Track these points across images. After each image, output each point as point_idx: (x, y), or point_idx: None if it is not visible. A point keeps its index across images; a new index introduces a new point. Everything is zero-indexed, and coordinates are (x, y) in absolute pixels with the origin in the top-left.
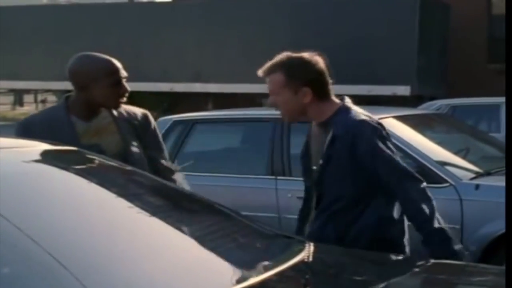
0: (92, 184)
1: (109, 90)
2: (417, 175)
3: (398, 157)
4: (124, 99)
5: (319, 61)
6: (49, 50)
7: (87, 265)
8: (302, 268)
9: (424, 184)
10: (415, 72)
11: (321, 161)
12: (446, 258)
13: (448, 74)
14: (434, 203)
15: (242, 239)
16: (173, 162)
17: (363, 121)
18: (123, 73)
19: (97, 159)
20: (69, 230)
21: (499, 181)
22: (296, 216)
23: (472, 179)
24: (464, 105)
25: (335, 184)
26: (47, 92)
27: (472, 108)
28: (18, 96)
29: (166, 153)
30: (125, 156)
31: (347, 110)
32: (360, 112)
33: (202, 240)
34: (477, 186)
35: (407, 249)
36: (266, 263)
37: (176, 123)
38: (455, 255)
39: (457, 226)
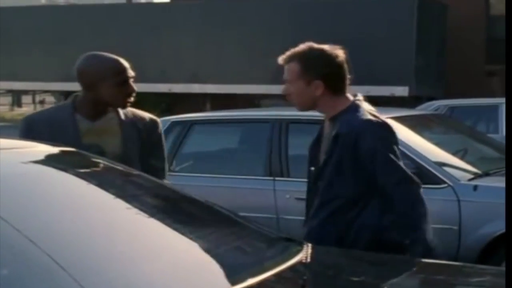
0: (91, 185)
1: (116, 89)
2: (415, 180)
3: (399, 161)
4: (132, 99)
5: (339, 55)
6: (48, 51)
7: (85, 266)
8: (299, 269)
9: (421, 191)
10: (413, 72)
11: (323, 157)
12: None
13: (446, 75)
14: (427, 211)
15: (240, 240)
16: (171, 163)
17: (368, 120)
18: (131, 72)
19: (96, 160)
20: (68, 231)
21: (497, 182)
22: (294, 217)
23: (470, 180)
24: (462, 106)
25: (335, 181)
26: (45, 92)
27: (470, 109)
28: (17, 97)
29: (165, 165)
30: (123, 159)
31: (356, 108)
32: (369, 111)
33: (200, 241)
34: (475, 187)
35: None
36: (264, 264)
37: (175, 124)
38: None
39: (455, 227)
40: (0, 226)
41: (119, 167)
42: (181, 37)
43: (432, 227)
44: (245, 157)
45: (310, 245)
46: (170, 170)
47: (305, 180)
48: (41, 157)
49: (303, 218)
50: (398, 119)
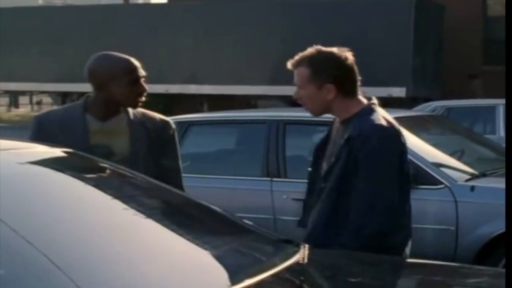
0: (88, 186)
1: (127, 88)
2: (390, 196)
3: (386, 175)
4: (143, 99)
5: (349, 57)
6: (45, 52)
7: (82, 266)
8: (297, 269)
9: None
10: (410, 73)
11: (332, 159)
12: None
13: (443, 76)
14: (379, 225)
15: (237, 241)
16: None
17: (377, 126)
18: (142, 72)
19: (93, 161)
20: (65, 231)
21: (494, 183)
22: (291, 218)
23: (467, 180)
24: (459, 107)
25: (340, 184)
26: (42, 93)
27: (467, 110)
28: (14, 98)
29: (179, 165)
30: (132, 159)
31: (370, 111)
32: (382, 116)
33: (198, 242)
34: (472, 188)
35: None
36: (261, 265)
37: None
38: None
39: (452, 228)
40: None
41: (117, 168)
42: (178, 38)
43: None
44: (242, 158)
45: (307, 246)
46: None
47: (302, 180)
48: (39, 158)
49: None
50: (395, 120)
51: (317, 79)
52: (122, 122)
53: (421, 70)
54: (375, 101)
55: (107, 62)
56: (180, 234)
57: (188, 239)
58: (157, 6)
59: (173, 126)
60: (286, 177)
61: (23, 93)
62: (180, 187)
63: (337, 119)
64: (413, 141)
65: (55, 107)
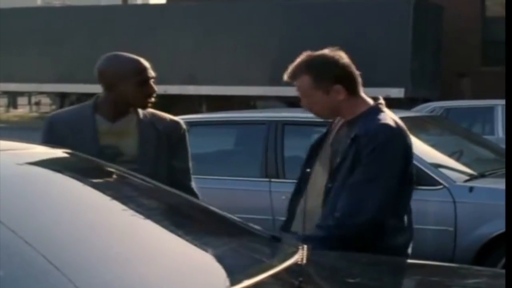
0: (86, 187)
1: (136, 89)
2: (385, 197)
3: (386, 169)
4: (153, 99)
5: (343, 55)
6: (43, 53)
7: (81, 267)
8: (295, 270)
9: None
10: (409, 74)
11: (338, 159)
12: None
13: (442, 76)
14: (362, 226)
15: (235, 242)
16: None
17: (384, 125)
18: (151, 73)
19: (92, 162)
20: (63, 232)
21: (493, 184)
22: None
23: (466, 181)
24: (458, 108)
25: (344, 185)
26: (41, 94)
27: (466, 111)
28: (12, 98)
29: (189, 167)
30: (140, 160)
31: (377, 111)
32: (390, 116)
33: (196, 243)
34: (471, 189)
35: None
36: (259, 265)
37: None
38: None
39: (451, 228)
40: None
41: (116, 169)
42: (177, 38)
43: (427, 229)
44: (241, 158)
45: (305, 246)
46: None
47: None
48: (37, 158)
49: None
50: None
51: (321, 83)
52: (131, 122)
53: (419, 71)
54: (382, 101)
55: (117, 62)
56: (179, 235)
57: (187, 240)
58: (156, 6)
59: (184, 127)
60: (284, 178)
61: (21, 93)
62: (189, 188)
63: (337, 120)
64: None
65: (54, 108)
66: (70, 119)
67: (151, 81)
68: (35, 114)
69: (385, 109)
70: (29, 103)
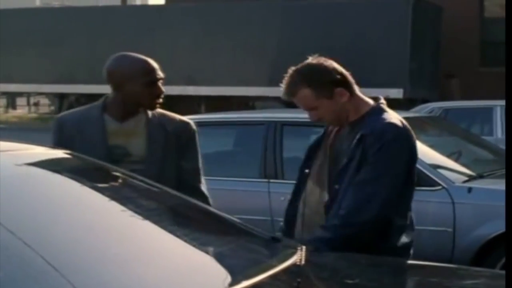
0: (85, 187)
1: (143, 90)
2: (390, 196)
3: (392, 168)
4: (160, 100)
5: (328, 60)
6: (42, 53)
7: (80, 268)
8: (294, 271)
9: (385, 203)
10: (407, 75)
11: (345, 160)
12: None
13: (441, 77)
14: (368, 223)
15: (234, 243)
16: None
17: (391, 125)
18: (160, 74)
19: (91, 162)
20: (62, 233)
21: (492, 184)
22: None
23: (464, 182)
24: (457, 108)
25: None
26: (39, 95)
27: (465, 111)
28: (11, 99)
29: (199, 167)
30: (148, 160)
31: (381, 111)
32: (394, 115)
33: (195, 244)
34: (469, 189)
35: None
36: (258, 266)
37: None
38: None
39: (450, 229)
40: None
41: (115, 170)
42: (175, 39)
43: (426, 230)
44: (239, 159)
45: (304, 247)
46: None
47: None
48: (36, 159)
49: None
50: None
51: (323, 91)
52: (140, 123)
53: (418, 72)
54: (383, 101)
55: (125, 63)
56: (178, 236)
57: (185, 241)
58: (155, 7)
59: (194, 127)
60: (283, 178)
61: (20, 94)
62: (197, 189)
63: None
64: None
65: (52, 109)
66: (79, 119)
67: (160, 82)
68: (34, 115)
69: (388, 109)
70: (28, 103)
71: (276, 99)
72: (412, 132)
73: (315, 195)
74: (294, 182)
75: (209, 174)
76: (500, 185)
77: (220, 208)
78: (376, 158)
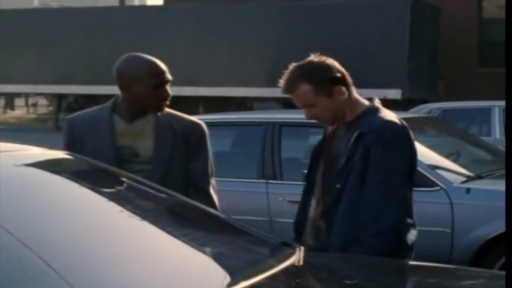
0: (83, 188)
1: (150, 92)
2: (404, 191)
3: (400, 166)
4: (167, 103)
5: (329, 59)
6: (40, 54)
7: (79, 269)
8: (292, 272)
9: (404, 201)
10: (406, 75)
11: (344, 159)
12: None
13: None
14: (396, 221)
15: (233, 243)
16: None
17: (389, 123)
18: (168, 77)
19: (89, 163)
20: (60, 234)
21: (490, 185)
22: (287, 220)
23: (463, 182)
24: (455, 109)
25: (358, 184)
26: (38, 95)
27: (463, 112)
28: (9, 100)
29: (208, 169)
30: (155, 161)
31: (377, 110)
32: (389, 114)
33: (194, 245)
34: (468, 190)
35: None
36: (256, 267)
37: None
38: None
39: (448, 230)
40: None
41: (113, 170)
42: (174, 40)
43: (424, 230)
44: (238, 159)
45: (302, 248)
46: None
47: (298, 182)
48: (34, 160)
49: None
50: None
51: (322, 88)
52: (148, 123)
53: (416, 72)
54: (378, 100)
55: (133, 64)
56: (176, 237)
57: (184, 241)
58: (153, 8)
59: (204, 129)
60: (282, 179)
61: (18, 95)
62: (205, 191)
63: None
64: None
65: (51, 109)
66: (90, 119)
67: (167, 85)
68: (32, 116)
69: (383, 108)
70: (26, 104)
71: (275, 99)
72: (409, 129)
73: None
74: (292, 182)
75: None
76: (498, 185)
77: (218, 209)
78: (380, 160)
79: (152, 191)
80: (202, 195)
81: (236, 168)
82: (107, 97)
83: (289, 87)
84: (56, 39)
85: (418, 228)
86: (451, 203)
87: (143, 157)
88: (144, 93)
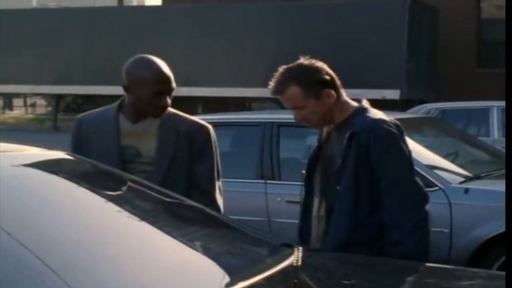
0: (82, 188)
1: (149, 98)
2: (419, 186)
3: (405, 163)
4: (166, 111)
5: (318, 61)
6: (39, 54)
7: (77, 269)
8: (291, 272)
9: (422, 197)
10: (404, 76)
11: (339, 161)
12: None
13: (437, 78)
14: (424, 218)
15: (231, 244)
16: None
17: (380, 121)
18: (170, 86)
19: (87, 163)
20: (59, 234)
21: (489, 185)
22: (285, 220)
23: (461, 183)
24: (454, 109)
25: (353, 184)
26: (36, 96)
27: (462, 112)
28: (8, 100)
29: (212, 172)
30: (158, 162)
31: (365, 110)
32: (378, 113)
33: (192, 245)
34: (466, 190)
35: None
36: (255, 267)
37: None
38: None
39: (446, 230)
40: None
41: (112, 170)
42: (172, 40)
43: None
44: (236, 160)
45: (301, 248)
46: None
47: (297, 183)
48: (33, 160)
49: (294, 221)
50: None
51: (311, 90)
52: (153, 124)
53: (415, 72)
54: (366, 101)
55: (140, 67)
56: (175, 237)
57: (183, 242)
58: (152, 8)
59: (209, 131)
60: (280, 179)
61: (17, 95)
62: (207, 193)
63: (325, 130)
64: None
65: (49, 109)
66: (96, 119)
67: (167, 94)
68: (30, 116)
69: (372, 108)
70: (25, 104)
71: (273, 100)
72: (400, 126)
73: (323, 207)
74: (290, 183)
75: None
76: (496, 186)
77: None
78: (382, 162)
79: (151, 192)
80: (206, 198)
81: (234, 168)
82: (105, 97)
83: (278, 89)
84: (54, 40)
85: None
86: (450, 203)
87: (146, 157)
88: (144, 98)
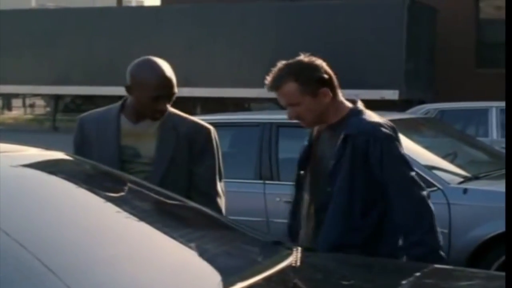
0: (80, 189)
1: (148, 101)
2: (421, 185)
3: (406, 165)
4: (161, 115)
5: (318, 60)
6: (37, 55)
7: (76, 270)
8: (289, 272)
9: (426, 194)
10: (403, 76)
11: (333, 162)
12: None
13: (436, 79)
14: (433, 215)
15: (229, 244)
16: None
17: (377, 124)
18: (172, 91)
19: (87, 164)
20: (57, 234)
21: (487, 185)
22: (284, 220)
23: (460, 183)
24: (452, 109)
25: (348, 186)
26: (35, 96)
27: (460, 112)
28: (7, 100)
29: (213, 173)
30: (157, 163)
31: (360, 112)
32: (373, 115)
33: (191, 245)
34: (465, 190)
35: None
36: (253, 267)
37: None
38: None
39: (445, 230)
40: None
41: (110, 171)
42: (171, 40)
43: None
44: (235, 160)
45: (300, 248)
46: None
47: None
48: (31, 161)
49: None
50: None
51: (308, 87)
52: (153, 125)
53: (414, 73)
54: (360, 102)
55: (142, 70)
56: (173, 237)
57: (181, 242)
58: (151, 8)
59: (209, 132)
60: (279, 179)
61: (16, 95)
62: (207, 194)
63: (318, 129)
64: (405, 144)
65: (48, 110)
66: (98, 119)
67: (169, 98)
68: (29, 116)
69: (366, 110)
70: (24, 105)
71: (272, 100)
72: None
73: (312, 205)
74: (289, 183)
75: None
76: (495, 186)
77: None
78: (386, 165)
79: (150, 193)
80: (206, 199)
81: (233, 168)
82: (104, 97)
83: (275, 84)
84: (53, 40)
85: None
86: (448, 204)
87: (145, 158)
88: (143, 101)
